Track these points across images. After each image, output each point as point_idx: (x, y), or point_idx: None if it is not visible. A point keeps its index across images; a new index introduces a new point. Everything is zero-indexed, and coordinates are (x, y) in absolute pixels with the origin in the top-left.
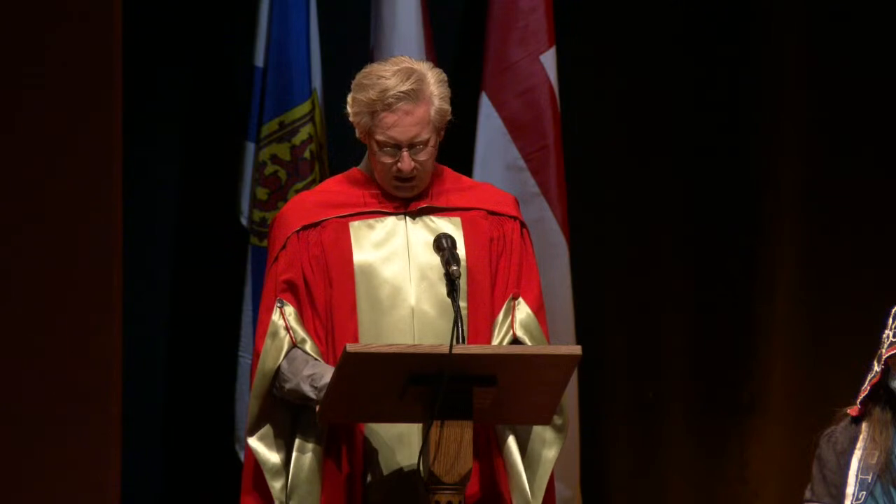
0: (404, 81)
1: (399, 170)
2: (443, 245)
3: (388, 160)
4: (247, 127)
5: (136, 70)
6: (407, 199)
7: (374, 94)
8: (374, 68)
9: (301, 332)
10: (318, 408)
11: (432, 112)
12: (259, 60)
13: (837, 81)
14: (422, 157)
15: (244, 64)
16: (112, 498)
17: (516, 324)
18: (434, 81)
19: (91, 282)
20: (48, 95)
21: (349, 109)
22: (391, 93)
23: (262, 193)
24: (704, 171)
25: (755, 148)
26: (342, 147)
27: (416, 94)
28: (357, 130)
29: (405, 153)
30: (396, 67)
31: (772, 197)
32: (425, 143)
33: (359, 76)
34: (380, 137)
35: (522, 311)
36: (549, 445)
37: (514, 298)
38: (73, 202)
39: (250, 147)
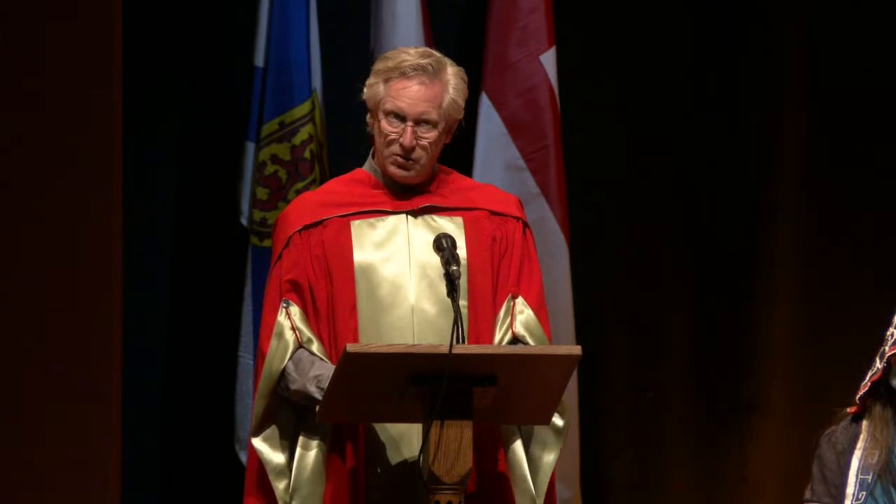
0: (425, 57)
1: (400, 144)
2: (442, 245)
3: (390, 129)
4: (247, 127)
5: (136, 70)
6: (409, 199)
7: (392, 63)
8: (399, 49)
9: (307, 333)
10: (317, 408)
11: (445, 98)
12: (259, 60)
13: (837, 82)
14: (426, 138)
15: (244, 64)
16: (112, 498)
17: (516, 322)
18: (452, 73)
19: (91, 282)
20: (48, 96)
21: (366, 90)
22: (409, 62)
23: (262, 193)
24: (704, 170)
25: (755, 148)
26: (342, 147)
27: (433, 71)
28: (368, 109)
29: (409, 128)
30: (421, 49)
31: (772, 197)
32: (432, 123)
33: (383, 55)
34: (388, 106)
35: (523, 309)
36: (550, 449)
37: (514, 297)
38: (73, 202)
39: (250, 147)
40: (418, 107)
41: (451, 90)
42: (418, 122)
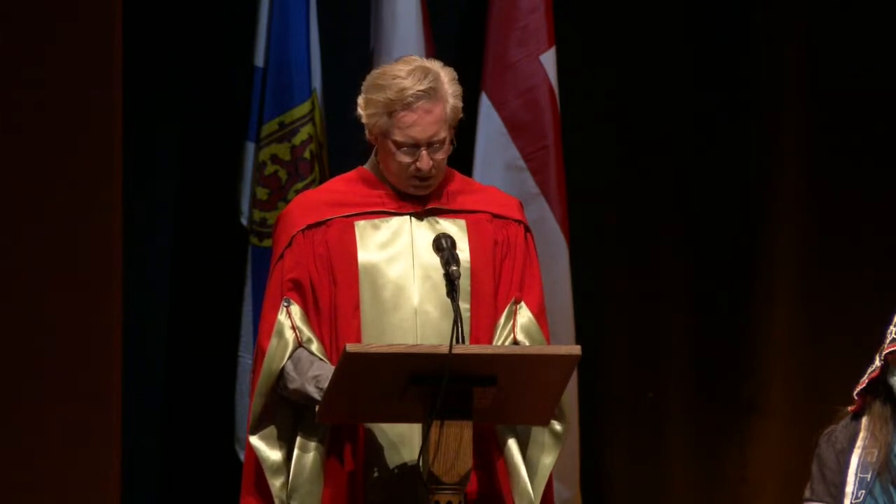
0: (421, 80)
1: (418, 169)
2: (442, 245)
3: (406, 160)
4: (247, 127)
5: (136, 70)
6: (413, 200)
7: (391, 93)
8: (388, 69)
9: (307, 332)
10: (317, 408)
11: (448, 110)
12: (259, 60)
13: (837, 81)
14: (439, 155)
15: (244, 64)
16: (112, 498)
17: (518, 327)
18: (448, 80)
19: (91, 282)
20: (48, 95)
21: (361, 111)
22: (410, 92)
23: (262, 193)
24: (704, 170)
25: (755, 148)
26: (342, 147)
27: (433, 93)
28: (369, 132)
29: (424, 152)
30: (410, 67)
31: (772, 196)
32: (442, 141)
33: (371, 77)
34: (398, 137)
35: (524, 315)
36: (548, 451)
37: (517, 302)
38: (73, 202)
39: (250, 147)
40: (428, 131)
41: (451, 100)
42: (430, 144)
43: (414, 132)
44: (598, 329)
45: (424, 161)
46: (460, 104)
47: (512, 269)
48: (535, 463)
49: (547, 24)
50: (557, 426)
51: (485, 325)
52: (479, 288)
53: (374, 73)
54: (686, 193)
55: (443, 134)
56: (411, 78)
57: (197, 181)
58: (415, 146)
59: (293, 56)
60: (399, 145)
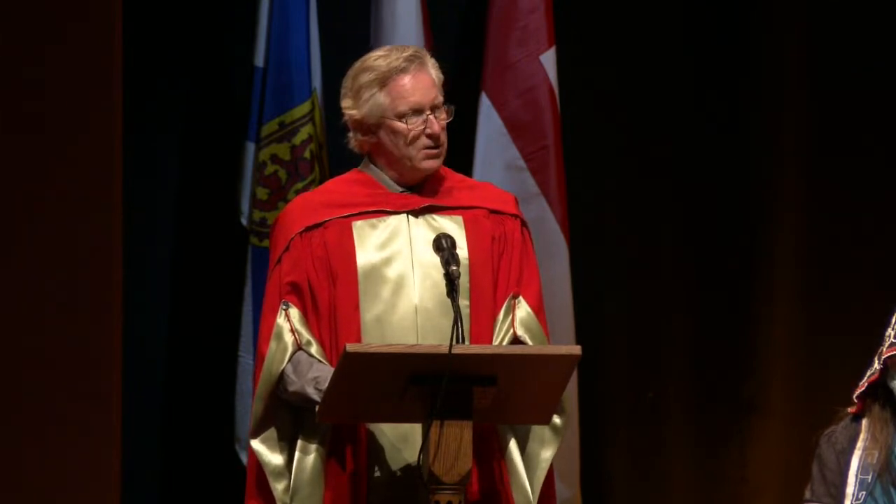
0: (403, 51)
1: (431, 134)
2: (442, 245)
3: (416, 128)
4: (247, 127)
5: (136, 70)
6: (409, 199)
7: (381, 68)
8: (364, 58)
9: (306, 335)
10: (317, 408)
11: (436, 79)
12: (259, 60)
13: (837, 81)
14: (443, 120)
15: (244, 64)
16: (112, 498)
17: (517, 322)
18: (427, 55)
19: (91, 282)
20: (48, 95)
21: (351, 110)
22: (400, 58)
23: (262, 193)
24: (704, 170)
25: (755, 148)
26: (342, 147)
27: (419, 61)
28: (362, 128)
29: (430, 116)
30: (386, 48)
31: (772, 197)
32: (442, 106)
33: (352, 72)
34: (403, 107)
35: (523, 309)
36: (546, 445)
37: (515, 297)
38: (73, 202)
39: (250, 147)
40: (430, 94)
41: (435, 71)
42: (433, 108)
43: (416, 97)
44: (598, 329)
45: (435, 124)
46: (443, 78)
47: (510, 264)
48: (534, 457)
49: (547, 24)
50: (557, 420)
51: (485, 322)
52: (478, 284)
53: (353, 67)
54: (686, 193)
55: (441, 97)
56: (393, 52)
57: (197, 181)
58: (420, 111)
59: (293, 56)
60: (402, 115)
